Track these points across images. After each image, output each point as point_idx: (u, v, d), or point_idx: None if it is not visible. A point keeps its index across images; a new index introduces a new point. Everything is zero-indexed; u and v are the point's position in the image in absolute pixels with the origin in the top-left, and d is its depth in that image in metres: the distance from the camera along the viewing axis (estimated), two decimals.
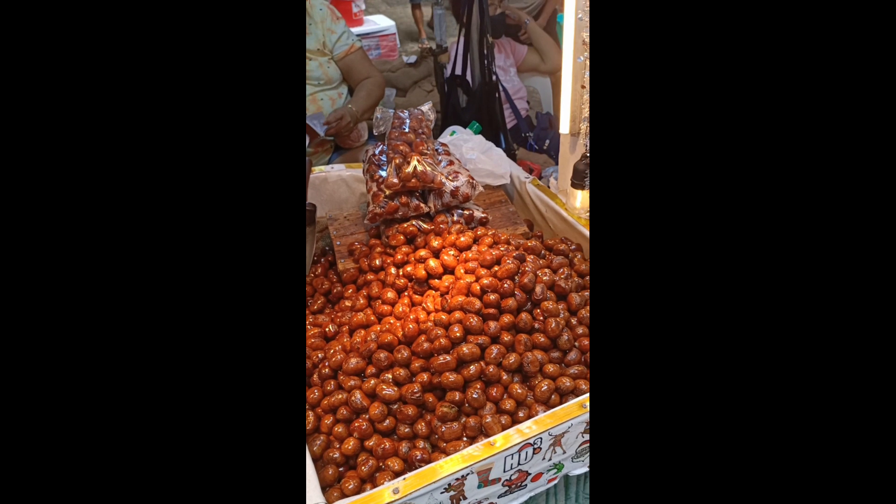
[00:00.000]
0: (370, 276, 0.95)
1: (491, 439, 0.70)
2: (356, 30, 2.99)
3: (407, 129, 1.02)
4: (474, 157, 1.16)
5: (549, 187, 1.17)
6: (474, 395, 0.76)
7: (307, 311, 0.97)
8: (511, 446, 0.69)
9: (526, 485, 0.75)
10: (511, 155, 1.58)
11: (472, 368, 0.78)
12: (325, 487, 0.72)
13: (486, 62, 1.57)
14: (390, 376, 0.79)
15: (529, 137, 1.87)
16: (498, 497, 0.73)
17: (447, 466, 0.67)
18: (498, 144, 1.40)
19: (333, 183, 1.18)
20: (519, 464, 0.72)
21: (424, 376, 0.78)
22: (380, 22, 3.35)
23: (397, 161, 0.96)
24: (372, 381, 0.78)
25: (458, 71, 1.64)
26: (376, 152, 1.03)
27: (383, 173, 0.98)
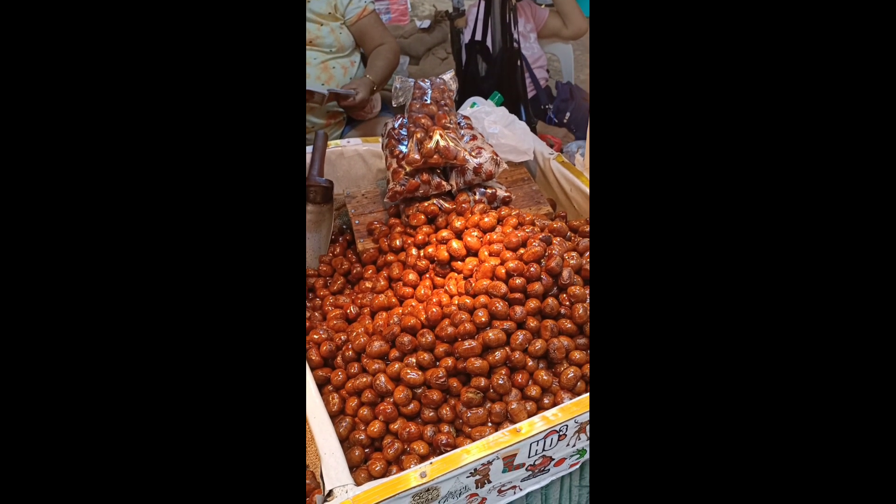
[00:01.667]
0: (391, 257, 0.93)
1: (517, 426, 0.69)
2: None
3: (429, 101, 0.97)
4: (496, 131, 1.11)
5: (573, 164, 1.12)
6: (500, 381, 0.75)
7: (327, 291, 0.96)
8: (537, 433, 0.69)
9: (549, 469, 0.75)
10: (531, 128, 1.52)
11: (498, 354, 0.76)
12: (353, 468, 0.72)
13: (507, 26, 1.48)
14: (414, 360, 0.78)
15: (549, 109, 1.79)
16: (521, 481, 0.74)
17: (474, 452, 0.66)
18: (519, 117, 1.35)
19: (350, 158, 1.14)
20: (544, 450, 0.72)
21: (449, 361, 0.77)
22: None
23: (419, 135, 0.91)
24: (396, 365, 0.77)
25: (478, 36, 1.56)
26: (396, 126, 0.98)
27: (403, 148, 0.94)
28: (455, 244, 0.88)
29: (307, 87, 1.42)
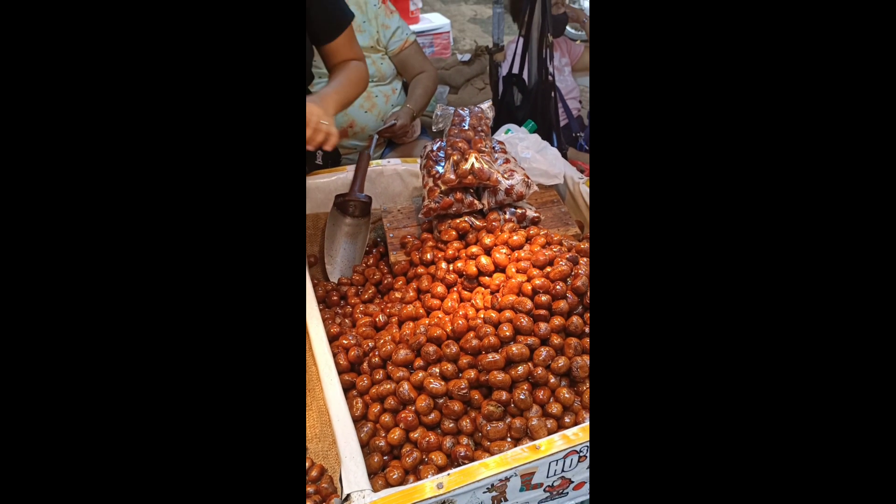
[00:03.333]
0: (421, 270, 0.96)
1: (536, 443, 0.69)
2: (412, 27, 3.02)
3: (466, 127, 1.02)
4: (529, 155, 1.15)
5: None
6: (521, 396, 0.76)
7: (358, 300, 0.99)
8: (556, 452, 0.68)
9: (567, 492, 0.74)
10: (562, 154, 1.55)
11: (521, 369, 0.77)
12: (371, 474, 0.73)
13: (544, 62, 1.54)
14: (438, 370, 0.79)
15: (580, 137, 1.83)
16: (539, 502, 0.72)
17: (492, 466, 0.66)
18: (551, 144, 1.38)
19: (389, 176, 1.20)
20: (563, 470, 0.71)
21: (472, 373, 0.78)
22: (435, 20, 3.37)
23: (455, 158, 0.96)
24: (420, 374, 0.79)
25: (515, 69, 1.63)
26: (434, 148, 1.03)
27: (440, 169, 0.99)
28: (484, 260, 0.90)
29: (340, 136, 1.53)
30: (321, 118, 0.94)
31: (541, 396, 0.77)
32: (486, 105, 1.08)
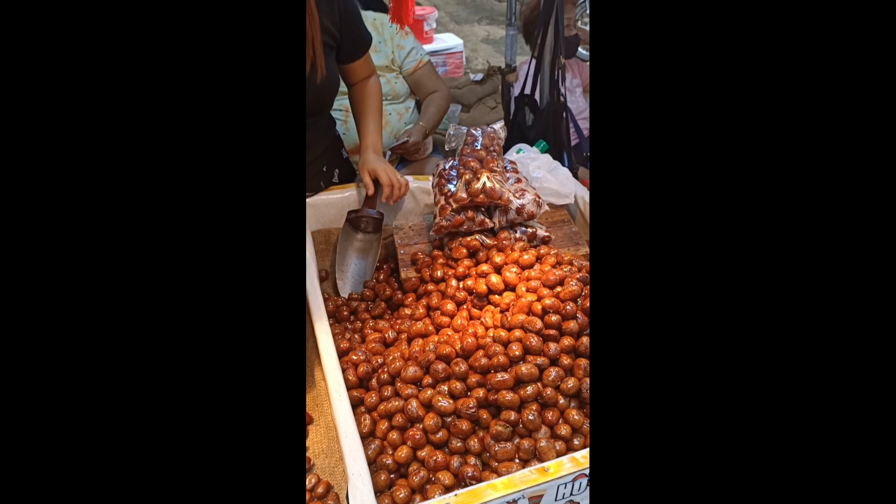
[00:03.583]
0: (431, 287, 0.97)
1: (545, 465, 0.68)
2: (426, 47, 3.09)
3: (479, 147, 1.04)
4: (540, 175, 1.16)
5: None
6: (530, 417, 0.75)
7: (368, 315, 1.00)
8: (565, 475, 0.67)
9: None
10: (573, 174, 1.56)
11: (530, 389, 0.77)
12: (378, 492, 0.73)
13: (556, 83, 1.57)
14: (446, 388, 0.79)
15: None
16: None
17: (500, 488, 0.66)
18: (562, 163, 1.39)
19: None
20: (571, 494, 0.70)
21: (480, 392, 0.78)
22: (448, 40, 3.44)
23: (467, 177, 0.97)
24: (428, 392, 0.79)
25: (528, 90, 1.65)
26: (446, 167, 1.05)
27: (452, 187, 1.00)
28: (494, 278, 0.91)
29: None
30: (390, 172, 1.03)
31: (550, 417, 0.76)
32: (499, 125, 1.10)
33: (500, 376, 0.77)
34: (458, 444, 0.76)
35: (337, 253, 1.08)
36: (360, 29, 1.09)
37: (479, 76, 2.71)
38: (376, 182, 1.05)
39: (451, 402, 0.77)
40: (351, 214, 1.10)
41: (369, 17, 1.69)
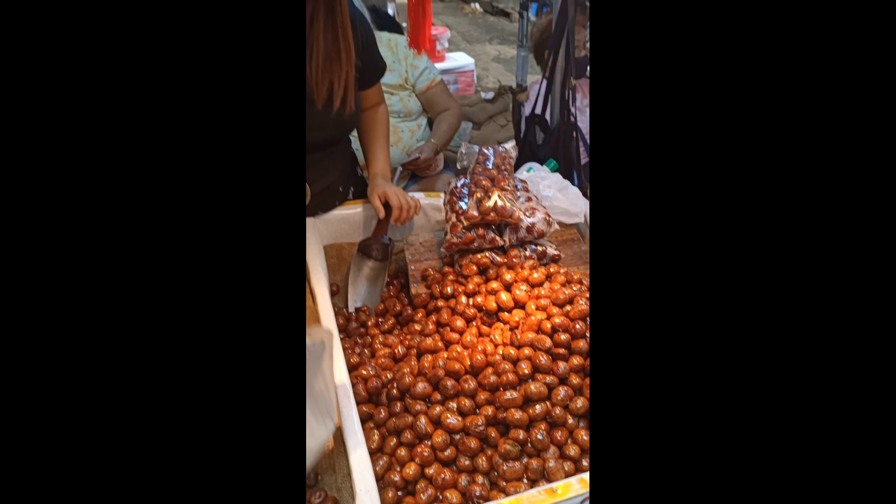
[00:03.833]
0: (441, 303, 0.98)
1: (553, 485, 0.68)
2: (438, 66, 3.15)
3: (490, 166, 1.05)
4: (550, 194, 1.17)
5: None
6: (538, 436, 0.75)
7: (377, 330, 1.01)
8: (573, 496, 0.67)
9: None
10: (583, 193, 1.57)
11: (539, 408, 0.77)
12: None
13: (566, 103, 1.59)
14: (455, 405, 0.79)
15: None
16: None
17: None
18: (572, 183, 1.41)
19: None
20: None
21: (489, 410, 0.78)
22: (459, 59, 3.50)
23: (479, 195, 0.99)
24: (437, 409, 0.79)
25: (538, 110, 1.68)
26: (458, 185, 1.07)
27: (463, 205, 1.02)
28: (504, 296, 0.91)
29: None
30: (399, 195, 1.06)
31: (558, 437, 0.76)
32: (510, 145, 1.12)
33: (508, 394, 0.77)
34: (467, 463, 0.76)
35: (349, 280, 1.10)
36: (377, 57, 1.12)
37: (491, 95, 2.75)
38: (386, 206, 1.07)
39: (459, 419, 0.77)
40: (362, 243, 1.11)
41: (384, 38, 1.74)
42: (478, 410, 0.79)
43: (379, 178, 1.10)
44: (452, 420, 0.77)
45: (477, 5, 6.93)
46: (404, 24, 2.91)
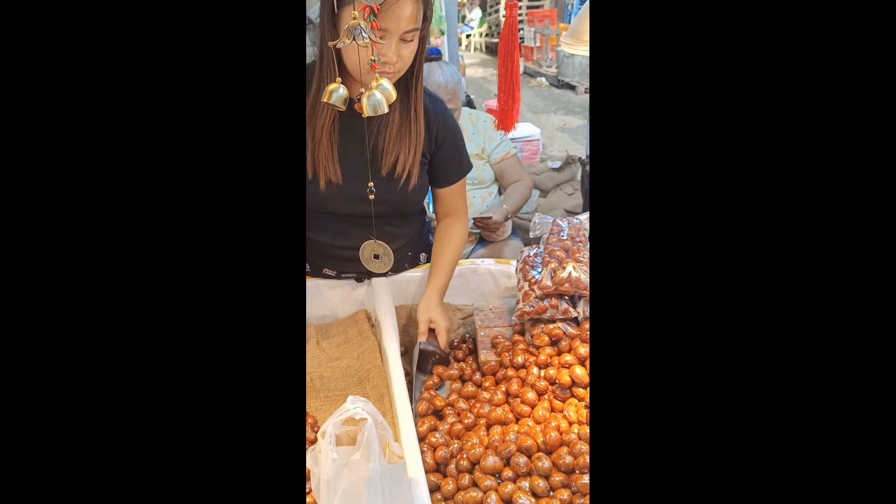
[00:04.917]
0: (511, 372, 0.96)
1: None
2: None
3: (564, 237, 1.07)
4: None
5: None
6: None
7: (456, 394, 1.00)
8: None
9: None
10: None
11: None
12: None
13: None
14: (527, 485, 0.76)
15: None
16: None
17: None
18: None
19: (482, 275, 1.25)
20: None
21: (565, 493, 0.73)
22: (526, 129, 3.66)
23: (552, 265, 1.00)
24: (509, 487, 0.76)
25: None
26: (531, 254, 1.08)
27: (536, 274, 1.02)
28: (578, 370, 0.88)
29: None
30: (446, 325, 1.04)
31: None
32: (584, 217, 1.13)
33: (585, 479, 0.73)
34: None
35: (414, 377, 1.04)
36: (463, 155, 1.11)
37: (558, 164, 2.82)
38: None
39: (533, 501, 0.73)
40: (425, 346, 1.03)
41: (465, 113, 1.90)
42: (552, 493, 0.75)
43: (436, 296, 1.09)
44: (525, 501, 0.73)
45: (543, 79, 7.30)
46: (472, 96, 3.12)
